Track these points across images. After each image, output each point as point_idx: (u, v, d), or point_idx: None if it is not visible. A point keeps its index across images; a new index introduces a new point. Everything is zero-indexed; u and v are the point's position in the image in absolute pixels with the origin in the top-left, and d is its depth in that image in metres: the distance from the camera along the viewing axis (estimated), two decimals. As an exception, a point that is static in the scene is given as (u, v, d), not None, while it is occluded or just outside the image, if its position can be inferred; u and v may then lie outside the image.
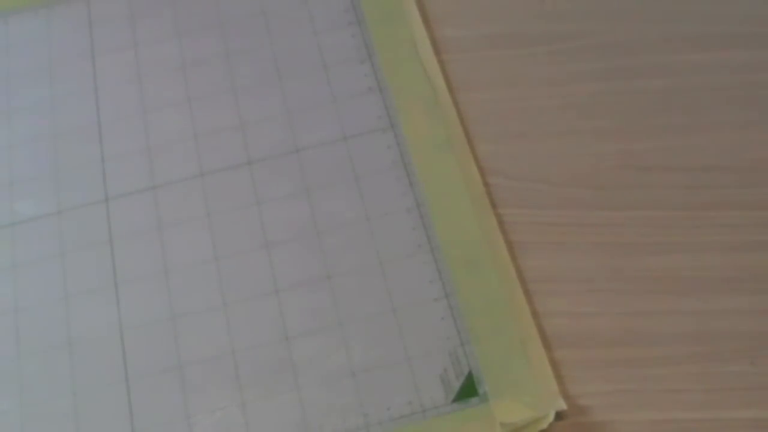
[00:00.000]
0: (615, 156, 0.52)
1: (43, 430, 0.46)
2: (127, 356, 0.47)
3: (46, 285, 0.50)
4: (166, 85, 0.56)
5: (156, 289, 0.49)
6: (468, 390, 0.45)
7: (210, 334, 0.48)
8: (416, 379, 0.45)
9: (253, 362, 0.47)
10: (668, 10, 0.57)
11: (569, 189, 0.51)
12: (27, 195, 0.54)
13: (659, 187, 0.51)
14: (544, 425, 0.43)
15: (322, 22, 0.58)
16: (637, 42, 0.56)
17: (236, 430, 0.45)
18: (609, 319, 0.47)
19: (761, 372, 0.45)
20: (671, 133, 0.52)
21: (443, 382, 0.45)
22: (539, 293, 0.48)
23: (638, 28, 0.57)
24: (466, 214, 0.50)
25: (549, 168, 0.52)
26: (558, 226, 0.50)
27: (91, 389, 0.47)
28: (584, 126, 0.53)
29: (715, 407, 0.44)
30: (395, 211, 0.50)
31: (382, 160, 0.52)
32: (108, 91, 0.57)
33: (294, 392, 0.46)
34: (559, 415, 0.44)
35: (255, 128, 0.54)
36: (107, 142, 0.55)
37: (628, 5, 0.58)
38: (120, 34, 0.59)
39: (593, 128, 0.53)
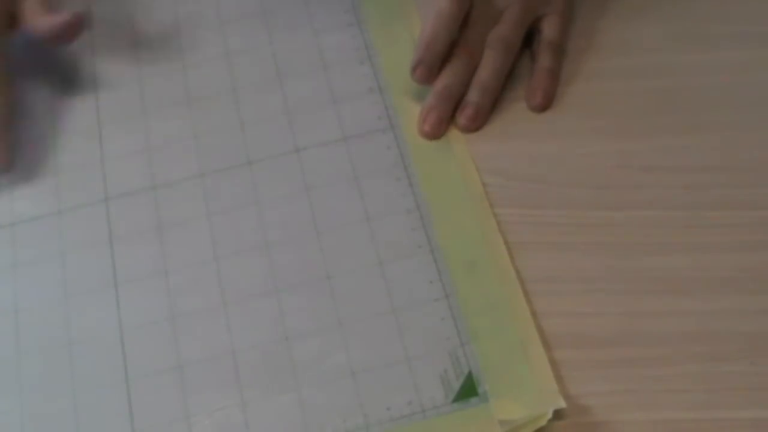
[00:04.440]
0: (615, 156, 0.52)
1: (43, 430, 0.46)
2: (127, 356, 0.47)
3: (46, 285, 0.50)
4: (166, 85, 0.56)
5: (156, 289, 0.49)
6: (468, 390, 0.45)
7: (210, 334, 0.48)
8: (416, 379, 0.45)
9: (253, 362, 0.47)
10: (668, 10, 0.57)
11: (569, 189, 0.51)
12: (27, 195, 0.54)
13: (659, 187, 0.51)
14: (543, 422, 0.43)
15: (323, 22, 0.58)
16: (637, 42, 0.56)
17: (236, 430, 0.45)
18: (609, 319, 0.47)
19: (761, 372, 0.45)
20: (671, 133, 0.52)
21: (443, 382, 0.45)
22: (539, 293, 0.48)
23: (638, 28, 0.57)
24: (465, 214, 0.50)
25: (549, 168, 0.52)
26: (558, 226, 0.50)
27: (91, 389, 0.47)
28: (584, 126, 0.53)
29: (715, 407, 0.44)
30: (395, 212, 0.50)
31: (382, 161, 0.52)
32: (108, 91, 0.57)
33: (294, 392, 0.45)
34: (560, 416, 0.44)
35: (255, 128, 0.54)
36: (107, 142, 0.55)
37: (628, 5, 0.58)
38: (120, 35, 0.59)
39: (593, 128, 0.53)
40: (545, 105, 0.54)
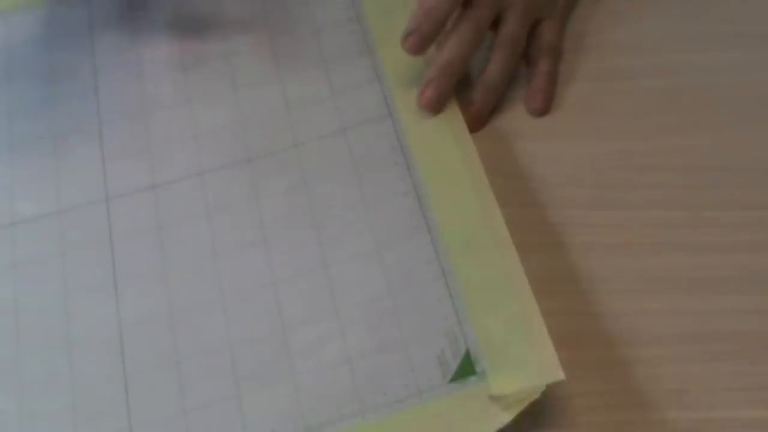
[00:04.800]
0: (615, 156, 0.52)
1: (42, 429, 0.46)
2: (127, 355, 0.47)
3: (46, 285, 0.50)
4: (167, 83, 0.56)
5: (156, 289, 0.49)
6: (466, 369, 0.44)
7: (208, 328, 0.47)
8: (413, 362, 0.45)
9: (250, 354, 0.46)
10: (668, 10, 0.57)
11: (569, 189, 0.51)
12: (27, 195, 0.54)
13: (659, 187, 0.51)
14: (536, 395, 0.42)
15: (323, 17, 0.58)
16: (637, 42, 0.56)
17: (233, 422, 0.45)
18: (609, 319, 0.47)
19: (761, 372, 0.45)
20: (671, 133, 0.52)
21: (441, 363, 0.45)
22: (539, 293, 0.47)
23: (638, 28, 0.57)
24: (463, 190, 0.50)
25: (549, 168, 0.52)
26: (558, 226, 0.50)
27: (90, 389, 0.47)
28: (584, 126, 0.53)
29: (715, 407, 0.44)
30: (392, 195, 0.50)
31: (379, 147, 0.52)
32: (108, 91, 0.57)
33: (290, 381, 0.45)
34: (560, 415, 0.44)
35: (254, 123, 0.54)
36: (107, 141, 0.55)
37: (627, 5, 0.58)
38: (120, 34, 0.59)
39: (593, 128, 0.53)
40: (545, 109, 0.54)
